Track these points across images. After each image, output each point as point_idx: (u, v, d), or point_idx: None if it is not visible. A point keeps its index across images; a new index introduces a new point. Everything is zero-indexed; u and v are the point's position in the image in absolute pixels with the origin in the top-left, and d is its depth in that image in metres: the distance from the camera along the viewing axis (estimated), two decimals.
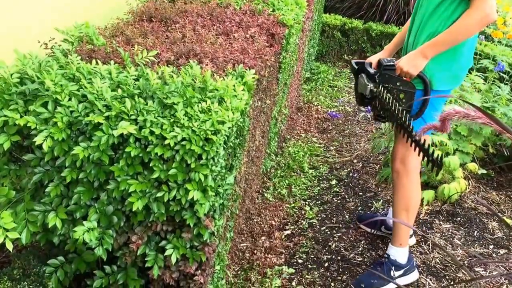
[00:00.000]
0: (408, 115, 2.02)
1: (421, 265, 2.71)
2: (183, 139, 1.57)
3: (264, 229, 2.93)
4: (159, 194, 1.61)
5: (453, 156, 3.22)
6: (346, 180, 3.56)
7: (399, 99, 2.22)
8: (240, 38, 2.36)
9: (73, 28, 2.16)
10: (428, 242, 2.89)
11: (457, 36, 2.13)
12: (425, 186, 3.26)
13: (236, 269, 2.59)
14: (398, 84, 2.23)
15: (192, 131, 1.58)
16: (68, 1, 2.79)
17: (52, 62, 1.78)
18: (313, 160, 3.81)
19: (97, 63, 1.81)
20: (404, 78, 2.23)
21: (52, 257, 1.81)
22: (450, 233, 2.99)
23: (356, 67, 2.44)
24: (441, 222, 3.08)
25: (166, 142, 1.56)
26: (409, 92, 2.23)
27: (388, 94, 2.17)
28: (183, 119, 1.61)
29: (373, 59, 2.43)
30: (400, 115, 2.04)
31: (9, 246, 1.52)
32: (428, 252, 2.82)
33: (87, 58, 1.94)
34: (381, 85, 2.22)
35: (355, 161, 3.85)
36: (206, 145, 1.58)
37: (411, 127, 1.95)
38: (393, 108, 2.10)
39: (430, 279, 2.61)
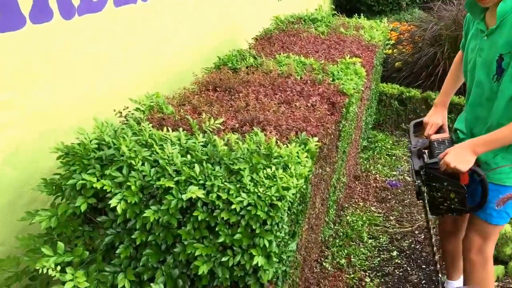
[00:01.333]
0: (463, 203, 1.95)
1: None
2: (249, 204, 1.61)
3: None
4: (224, 259, 1.63)
5: None
6: (407, 252, 3.44)
7: (450, 199, 2.07)
8: (301, 106, 2.42)
9: (145, 98, 2.30)
10: None
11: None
12: (494, 261, 3.09)
13: None
14: (445, 184, 2.08)
15: (257, 197, 1.61)
16: (138, 73, 2.98)
17: (127, 129, 1.89)
18: (372, 230, 3.72)
19: (167, 130, 1.91)
20: (451, 178, 2.06)
21: None
22: None
23: (415, 145, 2.31)
24: None
25: (233, 207, 1.59)
26: (459, 192, 2.06)
27: (436, 193, 2.05)
28: (249, 184, 1.65)
29: (433, 120, 2.51)
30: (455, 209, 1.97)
31: None
32: None
33: (157, 125, 2.05)
34: (427, 184, 2.10)
35: (416, 232, 3.73)
36: (271, 211, 1.60)
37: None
38: (445, 206, 1.98)
39: None
